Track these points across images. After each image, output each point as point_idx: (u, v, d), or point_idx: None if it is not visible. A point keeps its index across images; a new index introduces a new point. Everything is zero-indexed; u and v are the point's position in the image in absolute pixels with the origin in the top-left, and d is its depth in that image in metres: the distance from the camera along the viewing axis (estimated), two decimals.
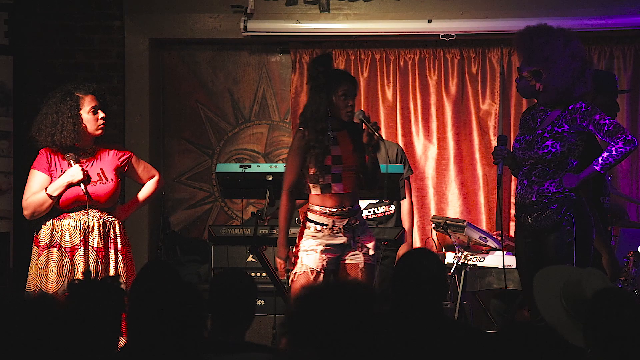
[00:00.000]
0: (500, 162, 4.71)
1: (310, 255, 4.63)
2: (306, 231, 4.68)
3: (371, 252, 4.67)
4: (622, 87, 6.83)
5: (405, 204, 5.89)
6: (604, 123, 4.54)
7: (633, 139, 4.52)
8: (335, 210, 4.63)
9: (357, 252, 4.66)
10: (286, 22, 6.89)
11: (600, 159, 4.52)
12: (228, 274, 3.74)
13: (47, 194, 4.79)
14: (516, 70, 4.82)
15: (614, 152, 4.50)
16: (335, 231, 4.63)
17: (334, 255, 4.65)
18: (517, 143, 4.74)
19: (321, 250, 4.62)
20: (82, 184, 4.80)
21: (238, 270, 5.39)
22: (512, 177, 6.09)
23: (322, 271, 4.62)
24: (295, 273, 4.66)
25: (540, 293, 3.34)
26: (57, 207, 4.83)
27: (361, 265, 4.65)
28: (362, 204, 5.84)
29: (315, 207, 4.66)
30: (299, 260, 4.66)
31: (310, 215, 4.67)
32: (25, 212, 4.87)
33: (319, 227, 4.64)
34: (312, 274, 4.62)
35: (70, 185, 4.80)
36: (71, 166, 4.82)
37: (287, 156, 4.80)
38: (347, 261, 4.67)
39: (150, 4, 7.02)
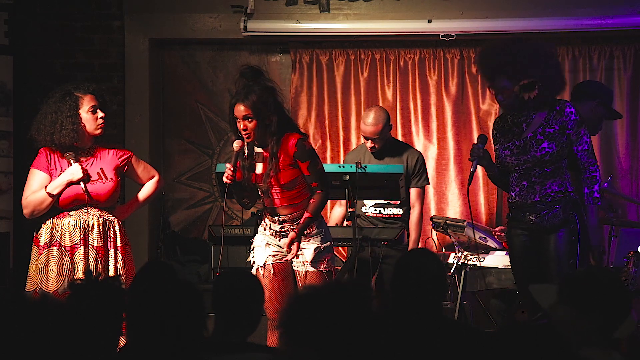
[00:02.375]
0: (476, 160, 4.78)
1: (256, 251, 4.77)
2: (259, 227, 4.84)
3: (308, 262, 4.68)
4: (622, 87, 6.86)
5: (414, 213, 5.87)
6: (585, 141, 4.70)
7: (599, 167, 4.74)
8: (270, 216, 4.74)
9: (296, 260, 4.71)
10: (286, 22, 6.89)
11: (595, 193, 4.65)
12: (231, 274, 3.73)
13: (47, 192, 4.79)
14: (493, 91, 4.78)
15: (597, 179, 4.68)
16: (270, 233, 4.74)
17: (278, 251, 4.73)
18: (506, 150, 4.76)
19: (266, 244, 4.75)
20: (81, 183, 4.80)
21: (242, 270, 5.39)
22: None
23: (271, 265, 4.71)
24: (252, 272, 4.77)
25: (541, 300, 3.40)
26: (57, 206, 4.83)
27: (303, 273, 4.70)
28: (370, 202, 5.85)
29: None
30: (251, 258, 4.81)
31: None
32: (25, 211, 4.87)
33: (265, 226, 4.77)
34: (261, 270, 4.73)
35: (70, 183, 4.81)
36: (71, 165, 4.82)
37: None
38: (294, 267, 4.74)
39: (150, 4, 7.02)
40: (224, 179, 4.61)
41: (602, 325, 2.83)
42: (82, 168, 4.81)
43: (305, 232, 4.68)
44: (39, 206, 4.82)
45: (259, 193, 4.75)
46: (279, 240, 4.72)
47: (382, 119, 5.79)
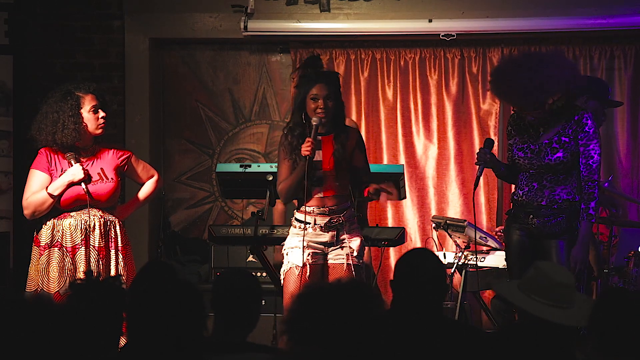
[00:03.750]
0: (482, 165, 4.78)
1: (294, 252, 4.69)
2: (291, 230, 4.74)
3: (355, 253, 4.68)
4: (623, 87, 6.85)
5: None
6: (591, 156, 4.67)
7: (599, 184, 4.70)
8: (317, 209, 4.68)
9: (340, 252, 4.69)
10: (286, 22, 6.89)
11: (591, 210, 4.63)
12: (231, 274, 3.73)
13: (48, 193, 4.79)
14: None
15: (595, 196, 4.64)
16: (316, 229, 4.67)
17: (319, 251, 4.69)
18: (520, 152, 4.76)
19: (305, 246, 4.66)
20: (83, 183, 4.80)
21: (242, 270, 5.40)
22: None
23: (308, 266, 4.64)
24: (284, 271, 4.70)
25: (505, 293, 3.43)
26: (58, 207, 4.82)
27: (344, 266, 4.67)
28: None
29: (301, 206, 4.71)
30: (285, 260, 4.72)
31: (296, 215, 4.74)
32: (26, 212, 4.86)
33: (302, 225, 4.68)
34: (297, 270, 4.66)
35: (71, 184, 4.80)
36: (71, 165, 4.82)
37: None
38: (330, 261, 4.70)
39: (150, 3, 7.01)
40: (304, 151, 4.59)
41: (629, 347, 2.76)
42: (83, 169, 4.80)
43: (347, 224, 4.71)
44: (40, 207, 4.81)
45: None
46: (328, 232, 4.68)
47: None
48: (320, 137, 4.68)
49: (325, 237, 4.69)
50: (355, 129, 4.86)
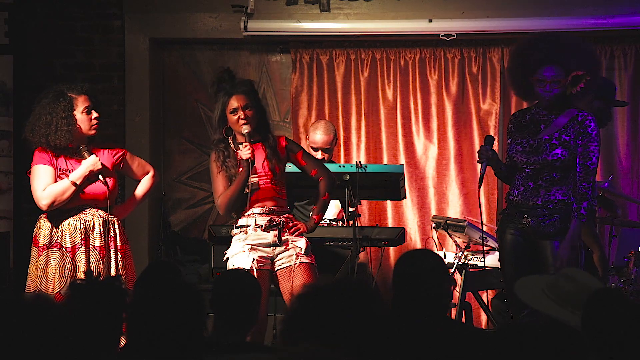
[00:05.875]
0: (484, 162, 4.76)
1: (238, 257, 4.67)
2: (233, 239, 4.73)
3: (303, 251, 4.68)
4: (623, 87, 6.84)
5: None
6: (590, 157, 4.65)
7: (594, 187, 4.68)
8: (256, 210, 4.70)
9: (289, 252, 4.68)
10: (286, 22, 6.89)
11: (582, 210, 4.59)
12: (231, 274, 3.73)
13: (71, 181, 4.77)
14: (544, 78, 4.68)
15: (590, 198, 4.61)
16: (257, 230, 4.67)
17: (265, 254, 4.67)
18: (518, 146, 4.74)
19: (249, 249, 4.66)
20: (100, 175, 4.80)
21: (242, 270, 5.39)
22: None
23: (255, 271, 4.59)
24: None
25: (528, 298, 3.39)
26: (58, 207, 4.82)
27: (295, 266, 4.67)
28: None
29: (240, 214, 4.73)
30: (228, 266, 4.69)
31: (238, 222, 4.73)
32: (44, 202, 4.77)
33: (243, 229, 4.69)
34: None
35: (88, 176, 4.79)
36: (84, 158, 4.81)
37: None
38: (283, 266, 4.69)
39: (151, 3, 7.01)
40: (247, 154, 4.60)
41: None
42: (99, 160, 4.82)
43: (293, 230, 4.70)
44: (61, 196, 4.77)
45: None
46: (269, 231, 4.67)
47: (332, 129, 6.00)
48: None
49: (268, 237, 4.67)
50: (283, 136, 4.86)
